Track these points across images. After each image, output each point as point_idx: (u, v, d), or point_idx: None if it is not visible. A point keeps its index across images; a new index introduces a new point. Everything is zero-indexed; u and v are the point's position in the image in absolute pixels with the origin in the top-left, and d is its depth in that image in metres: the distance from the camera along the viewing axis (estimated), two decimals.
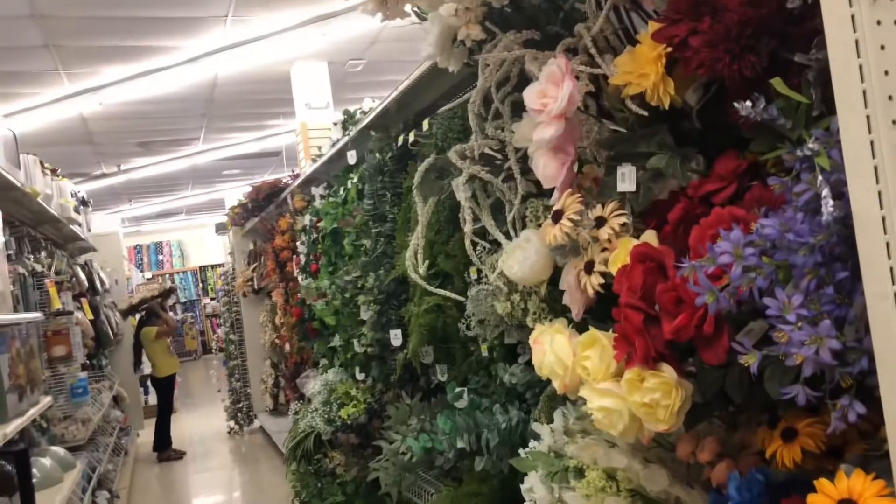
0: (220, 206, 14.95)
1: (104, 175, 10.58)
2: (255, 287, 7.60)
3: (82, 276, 5.64)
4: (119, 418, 6.60)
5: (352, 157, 3.56)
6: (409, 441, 2.40)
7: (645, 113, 1.39)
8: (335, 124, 4.00)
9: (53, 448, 3.25)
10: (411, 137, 2.83)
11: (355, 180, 3.71)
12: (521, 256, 1.61)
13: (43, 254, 4.48)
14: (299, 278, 4.76)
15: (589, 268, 1.43)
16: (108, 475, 5.05)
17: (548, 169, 1.45)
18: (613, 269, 1.37)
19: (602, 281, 1.40)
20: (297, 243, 4.98)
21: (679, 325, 1.13)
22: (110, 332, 6.60)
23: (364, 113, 3.73)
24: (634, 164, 1.46)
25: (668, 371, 1.20)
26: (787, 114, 1.00)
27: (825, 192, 0.87)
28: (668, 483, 1.50)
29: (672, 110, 1.36)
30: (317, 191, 4.56)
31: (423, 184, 1.79)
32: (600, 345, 1.34)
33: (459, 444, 2.21)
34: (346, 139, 3.61)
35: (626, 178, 1.44)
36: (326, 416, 3.95)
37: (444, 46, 1.86)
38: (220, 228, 11.98)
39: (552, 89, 1.40)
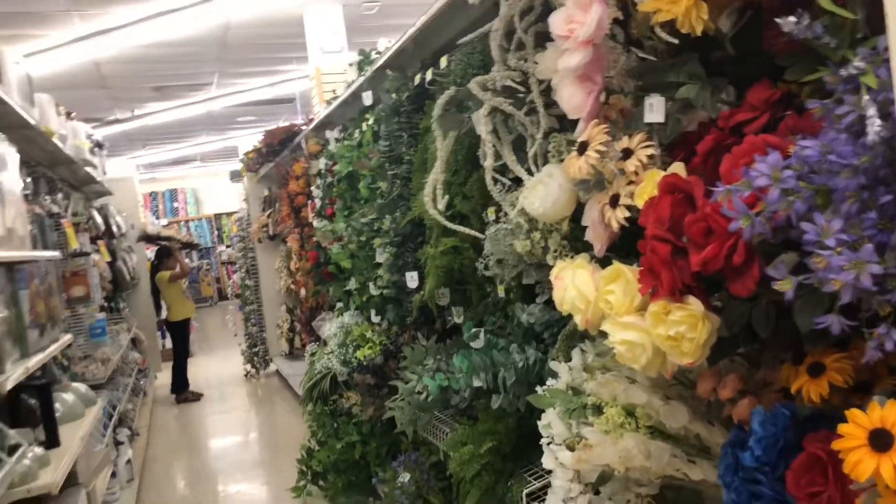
0: (234, 154, 14.90)
1: (118, 120, 10.53)
2: (271, 233, 7.61)
3: (99, 219, 5.66)
4: (137, 360, 6.70)
5: (367, 98, 3.50)
6: (426, 380, 2.41)
7: (675, 41, 1.34)
8: (350, 65, 3.92)
9: (75, 384, 3.30)
10: (429, 76, 2.77)
11: (371, 122, 3.66)
12: (543, 192, 1.58)
13: (59, 195, 4.48)
14: (314, 222, 4.75)
15: (614, 201, 1.40)
16: (127, 414, 5.15)
17: (573, 98, 1.41)
18: (639, 203, 1.34)
19: (627, 214, 1.37)
20: (312, 188, 4.95)
21: (708, 256, 1.10)
22: (127, 276, 6.66)
23: (380, 53, 3.65)
24: (663, 94, 1.41)
25: (694, 303, 1.18)
26: (832, 32, 0.95)
27: (871, 111, 0.83)
28: (688, 420, 1.50)
29: (702, 38, 1.30)
30: (331, 134, 4.50)
31: (443, 117, 1.75)
32: (624, 278, 1.32)
33: (476, 383, 2.21)
34: (361, 80, 3.55)
35: (655, 109, 1.40)
36: (342, 358, 3.98)
37: None
38: (235, 176, 11.95)
39: (580, 14, 1.35)
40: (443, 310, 3.01)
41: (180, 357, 7.54)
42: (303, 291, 6.22)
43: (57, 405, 2.73)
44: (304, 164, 5.43)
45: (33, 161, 3.93)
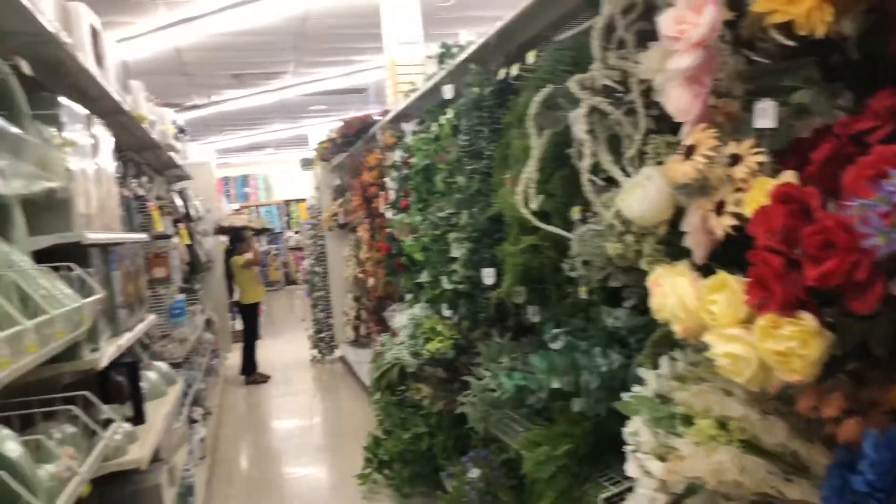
0: (305, 142, 15.16)
1: (196, 106, 10.83)
2: (341, 222, 7.71)
3: (179, 202, 5.84)
4: (211, 341, 6.90)
5: (448, 91, 3.49)
6: (502, 378, 2.40)
7: (792, 43, 1.28)
8: (430, 58, 3.92)
9: (158, 363, 3.42)
10: (514, 71, 2.74)
11: (450, 116, 3.65)
12: (641, 195, 1.55)
13: (144, 179, 4.64)
14: (387, 214, 4.78)
15: (720, 208, 1.36)
16: (201, 393, 5.31)
17: (681, 101, 1.37)
18: (747, 211, 1.30)
19: (734, 222, 1.33)
20: (386, 179, 4.99)
21: (828, 271, 1.05)
22: (203, 258, 6.86)
23: (461, 47, 3.63)
24: (775, 99, 1.36)
25: (807, 319, 1.13)
26: None
27: None
28: (787, 436, 1.45)
29: (819, 41, 1.25)
30: (408, 126, 4.52)
31: (539, 115, 1.73)
32: (730, 289, 1.28)
33: (555, 385, 2.19)
34: (442, 73, 3.54)
35: (766, 114, 1.35)
36: (412, 350, 4.00)
37: None
38: (306, 163, 12.16)
39: (692, 15, 1.31)
40: (518, 308, 2.99)
41: (250, 339, 7.73)
42: (371, 281, 6.29)
43: (142, 383, 2.83)
44: (379, 155, 5.47)
45: (123, 145, 4.07)
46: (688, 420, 1.61)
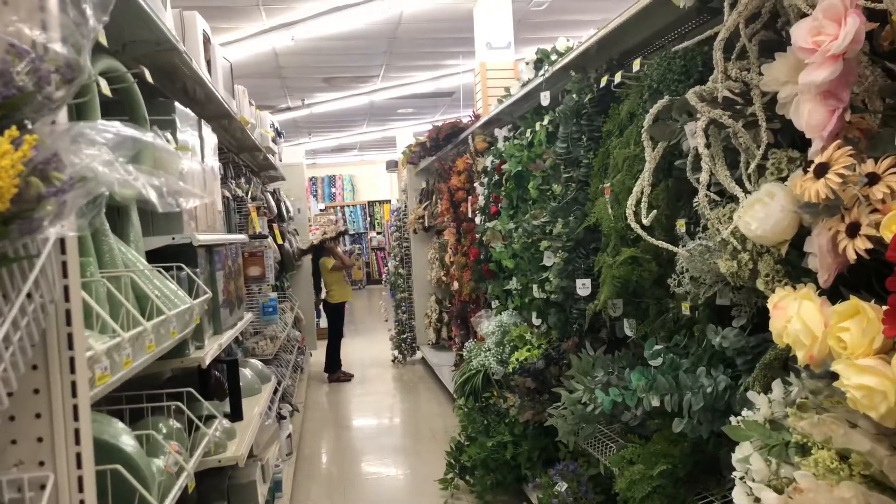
0: (391, 144, 15.38)
1: (289, 108, 11.14)
2: (426, 225, 7.76)
3: (272, 202, 6.00)
4: (298, 338, 7.07)
5: (545, 98, 3.46)
6: (598, 392, 2.34)
7: None
8: (526, 63, 3.89)
9: (253, 361, 3.52)
10: (617, 79, 2.68)
11: (545, 122, 3.62)
12: (763, 212, 1.48)
13: (242, 180, 4.79)
14: (476, 219, 4.77)
15: (853, 230, 1.28)
16: (288, 390, 5.44)
17: (814, 116, 1.30)
18: (886, 234, 1.22)
19: (869, 246, 1.25)
20: (476, 184, 4.98)
21: None
22: (293, 257, 7.03)
23: (560, 53, 3.59)
24: None
25: None
26: None
27: None
28: None
29: None
30: (500, 132, 4.50)
31: (653, 126, 1.68)
32: (865, 316, 1.20)
33: (655, 403, 2.12)
34: (539, 79, 3.50)
35: None
36: (499, 357, 3.98)
37: None
38: (391, 165, 12.31)
39: (830, 26, 1.24)
40: (612, 321, 2.92)
41: (335, 338, 7.88)
42: (455, 284, 6.30)
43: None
44: (468, 159, 5.47)
45: (224, 147, 4.21)
46: (804, 450, 1.52)
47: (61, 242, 0.91)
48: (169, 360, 2.21)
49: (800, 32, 1.28)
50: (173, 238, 2.25)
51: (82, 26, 0.75)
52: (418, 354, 8.46)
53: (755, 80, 1.55)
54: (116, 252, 1.81)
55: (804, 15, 1.36)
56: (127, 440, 1.59)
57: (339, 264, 7.80)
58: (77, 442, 0.90)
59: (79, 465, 0.89)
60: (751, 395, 1.74)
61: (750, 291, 1.91)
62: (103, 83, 1.64)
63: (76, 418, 0.90)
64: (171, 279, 2.10)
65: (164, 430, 2.01)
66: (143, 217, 2.23)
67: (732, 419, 1.74)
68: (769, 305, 1.43)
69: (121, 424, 1.67)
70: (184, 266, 2.23)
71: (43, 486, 0.87)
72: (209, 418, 2.32)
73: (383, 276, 13.17)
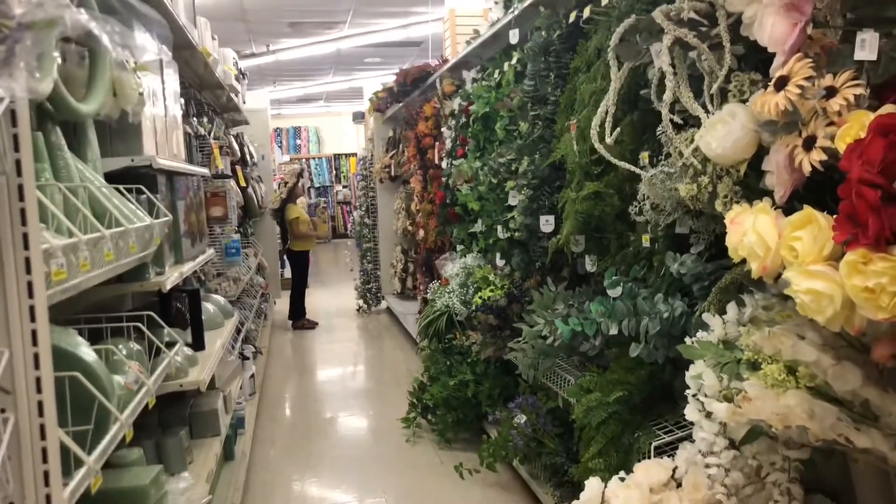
0: (357, 96, 15.13)
1: (254, 55, 10.87)
2: (392, 174, 7.72)
3: (235, 145, 5.90)
4: (262, 284, 7.03)
5: (514, 36, 3.43)
6: (558, 323, 2.38)
7: None
8: (496, 3, 3.85)
9: (215, 296, 3.50)
10: (586, 13, 2.67)
11: (514, 62, 3.60)
12: (724, 132, 1.50)
13: (205, 119, 4.69)
14: (443, 163, 4.76)
15: (809, 143, 1.31)
16: (251, 333, 5.43)
17: (777, 29, 1.31)
18: (840, 145, 1.25)
19: (824, 157, 1.28)
20: (443, 128, 4.95)
21: None
22: (256, 204, 6.95)
23: None
24: (878, 30, 1.29)
25: None
26: None
27: None
28: (860, 383, 1.41)
29: None
30: (468, 74, 4.47)
31: (619, 46, 1.68)
32: (816, 225, 1.24)
33: (613, 330, 2.17)
34: (509, 17, 3.47)
35: (867, 46, 1.28)
36: (462, 298, 4.02)
37: None
38: (358, 117, 12.14)
39: None
40: (574, 257, 2.96)
41: (299, 285, 7.85)
42: (421, 233, 6.30)
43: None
44: (436, 104, 5.43)
45: (186, 82, 4.11)
46: (754, 366, 1.57)
47: (12, 115, 0.88)
48: (129, 283, 2.19)
49: None
50: (132, 160, 2.20)
51: None
52: (383, 304, 8.49)
53: (721, 0, 1.56)
54: (73, 167, 1.77)
55: None
56: (86, 350, 1.58)
57: (307, 231, 7.67)
58: (32, 320, 0.89)
59: (34, 343, 0.88)
60: (706, 317, 1.78)
61: (708, 218, 1.95)
62: None
63: (31, 296, 0.88)
64: (132, 200, 2.07)
65: (125, 351, 2.00)
66: (101, 139, 2.17)
67: (687, 340, 1.79)
68: (726, 222, 1.46)
69: (79, 337, 1.65)
70: (143, 189, 2.20)
71: None
72: (170, 345, 2.31)
73: (349, 229, 13.11)
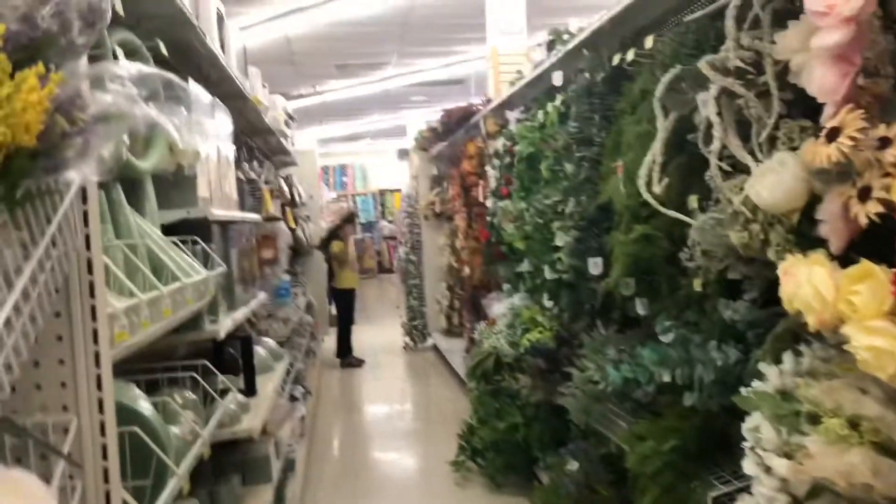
0: (402, 133, 15.35)
1: (301, 96, 11.15)
2: (437, 211, 7.77)
3: (285, 187, 6.03)
4: (310, 323, 7.11)
5: (557, 78, 3.45)
6: (609, 370, 2.35)
7: None
8: (538, 45, 3.89)
9: (266, 339, 3.55)
10: (630, 56, 2.68)
11: (557, 103, 3.61)
12: (774, 181, 1.48)
13: (255, 163, 4.81)
14: (488, 203, 4.78)
15: (864, 194, 1.28)
16: (301, 373, 5.48)
17: (825, 80, 1.30)
18: None
19: (880, 209, 1.25)
20: (487, 167, 4.99)
21: None
22: (305, 243, 7.07)
23: (572, 33, 3.58)
24: None
25: None
26: None
27: None
28: None
29: None
30: (512, 115, 4.50)
31: (666, 96, 1.68)
32: (875, 279, 1.21)
33: (666, 378, 2.13)
34: (552, 59, 3.50)
35: None
36: (510, 340, 3.99)
37: None
38: (403, 154, 12.33)
39: None
40: (625, 300, 2.92)
41: (345, 323, 7.92)
42: (466, 270, 6.31)
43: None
44: (480, 143, 5.47)
45: (238, 129, 4.23)
46: (814, 419, 1.53)
47: (83, 193, 0.93)
48: (185, 333, 2.24)
49: None
50: (188, 212, 2.27)
51: None
52: (429, 341, 8.49)
53: (768, 48, 1.55)
54: (132, 223, 1.84)
55: None
56: (144, 405, 1.62)
57: (342, 254, 7.77)
58: (99, 388, 0.92)
59: (101, 410, 0.92)
60: (762, 366, 1.74)
61: (761, 265, 1.91)
62: (120, 54, 1.66)
63: (98, 365, 0.93)
64: (187, 252, 2.13)
65: (180, 401, 2.04)
66: (158, 193, 2.25)
67: (743, 391, 1.75)
68: (780, 273, 1.44)
69: (138, 390, 1.70)
70: (199, 240, 2.26)
71: (66, 430, 0.90)
72: (224, 391, 2.35)
73: (394, 264, 13.20)
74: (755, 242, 1.66)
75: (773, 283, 1.94)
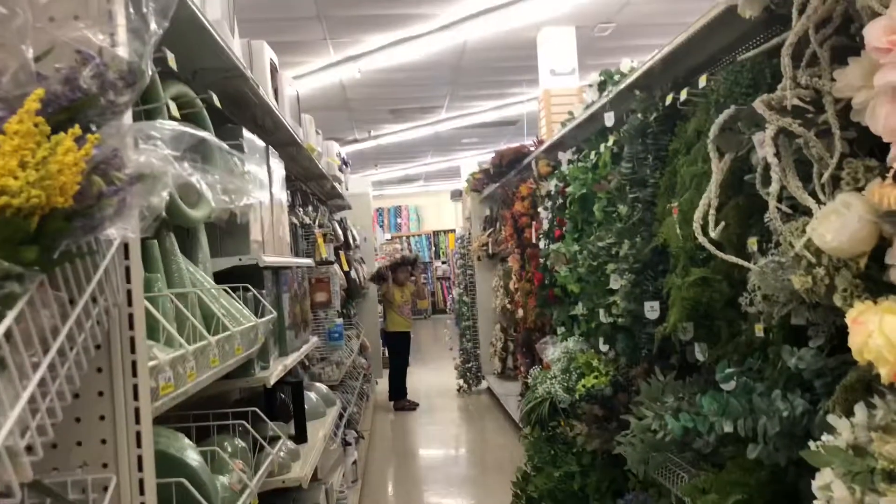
0: (455, 174, 15.49)
1: (356, 140, 11.37)
2: (490, 252, 7.75)
3: (339, 230, 6.10)
4: (363, 365, 7.11)
5: (609, 119, 3.42)
6: (668, 419, 2.26)
7: None
8: (589, 86, 3.87)
9: (318, 385, 3.55)
10: (683, 96, 2.63)
11: (610, 143, 3.57)
12: (838, 223, 1.41)
13: (309, 207, 4.88)
14: (541, 244, 4.73)
15: None
16: (353, 416, 5.46)
17: (891, 118, 1.24)
18: None
19: None
20: (539, 209, 4.95)
21: None
22: (359, 285, 7.12)
23: (623, 74, 3.55)
24: None
25: None
26: None
27: None
28: None
29: None
30: (564, 156, 4.47)
31: (720, 137, 1.63)
32: None
33: (727, 428, 2.03)
34: (603, 100, 3.47)
35: None
36: (565, 385, 3.90)
37: None
38: (455, 195, 12.40)
39: None
40: (683, 345, 2.83)
41: (397, 366, 7.89)
42: (520, 312, 6.24)
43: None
44: (532, 185, 5.45)
45: (292, 175, 4.31)
46: (891, 476, 1.43)
47: (125, 247, 0.93)
48: (234, 379, 2.24)
49: (874, 32, 1.23)
50: (240, 259, 2.30)
51: (144, 32, 0.78)
52: (483, 384, 8.38)
53: (827, 86, 1.49)
54: (185, 271, 1.86)
55: (877, 16, 1.30)
56: (192, 455, 1.62)
57: (388, 296, 7.81)
58: (139, 445, 0.91)
59: (140, 468, 0.91)
60: (831, 418, 1.64)
61: (827, 309, 1.82)
62: (173, 107, 1.70)
63: (137, 421, 0.92)
64: (238, 299, 2.14)
65: (230, 449, 2.04)
66: (211, 240, 2.28)
67: (812, 444, 1.65)
68: (848, 321, 1.36)
69: (186, 440, 1.70)
70: (250, 287, 2.28)
71: (105, 488, 0.89)
72: (274, 439, 2.34)
73: (448, 305, 13.18)
74: (820, 288, 1.58)
75: (841, 330, 1.84)
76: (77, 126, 0.68)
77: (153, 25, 0.78)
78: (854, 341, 1.32)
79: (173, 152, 0.79)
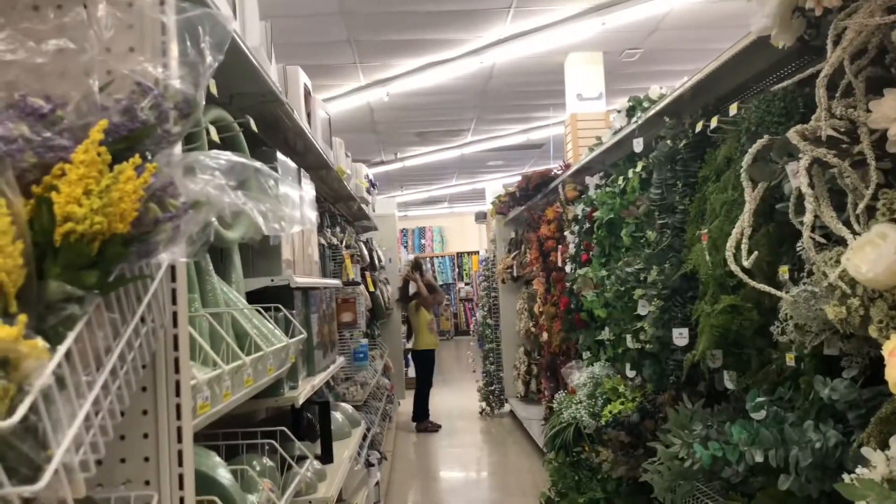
0: (480, 197, 15.54)
1: (383, 162, 11.47)
2: (514, 275, 7.74)
3: (365, 251, 6.14)
4: (387, 386, 7.12)
5: (638, 144, 3.42)
6: (697, 447, 2.24)
7: None
8: (618, 112, 3.88)
9: (343, 405, 3.57)
10: (713, 123, 2.63)
11: (638, 169, 3.57)
12: (874, 255, 1.40)
13: (337, 229, 4.93)
14: (566, 268, 4.73)
15: None
16: (377, 437, 5.46)
17: None
18: None
19: None
20: (566, 233, 4.95)
21: None
22: (383, 305, 7.14)
23: (652, 101, 3.56)
24: None
25: None
26: None
27: None
28: None
29: None
30: (591, 180, 4.48)
31: (753, 167, 1.63)
32: None
33: (758, 458, 2.00)
34: (632, 126, 3.48)
35: None
36: (591, 410, 3.88)
37: (783, 17, 1.68)
38: (480, 217, 12.42)
39: None
40: (711, 373, 2.81)
41: (423, 386, 7.88)
42: (544, 335, 6.22)
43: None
44: (558, 208, 5.45)
45: (321, 196, 4.36)
46: None
47: (172, 271, 0.96)
48: (264, 398, 2.26)
49: None
50: (272, 280, 2.33)
51: (199, 65, 0.81)
52: (506, 407, 8.34)
53: (862, 117, 1.49)
54: (219, 291, 1.89)
55: None
56: (223, 473, 1.63)
57: (425, 299, 7.80)
58: (180, 463, 0.93)
59: (181, 486, 0.93)
60: (865, 451, 1.62)
61: (861, 340, 1.80)
62: (212, 130, 1.74)
63: (179, 440, 0.94)
64: (269, 319, 2.17)
65: (258, 468, 2.06)
66: (244, 260, 2.32)
67: (845, 477, 1.63)
68: (884, 353, 1.34)
69: (218, 458, 1.72)
70: (281, 307, 2.30)
71: None
72: (301, 458, 2.35)
73: (471, 326, 13.16)
74: (854, 318, 1.57)
75: (876, 360, 1.82)
76: (137, 155, 0.71)
77: (209, 59, 0.81)
78: (890, 375, 1.31)
79: (229, 181, 0.82)
